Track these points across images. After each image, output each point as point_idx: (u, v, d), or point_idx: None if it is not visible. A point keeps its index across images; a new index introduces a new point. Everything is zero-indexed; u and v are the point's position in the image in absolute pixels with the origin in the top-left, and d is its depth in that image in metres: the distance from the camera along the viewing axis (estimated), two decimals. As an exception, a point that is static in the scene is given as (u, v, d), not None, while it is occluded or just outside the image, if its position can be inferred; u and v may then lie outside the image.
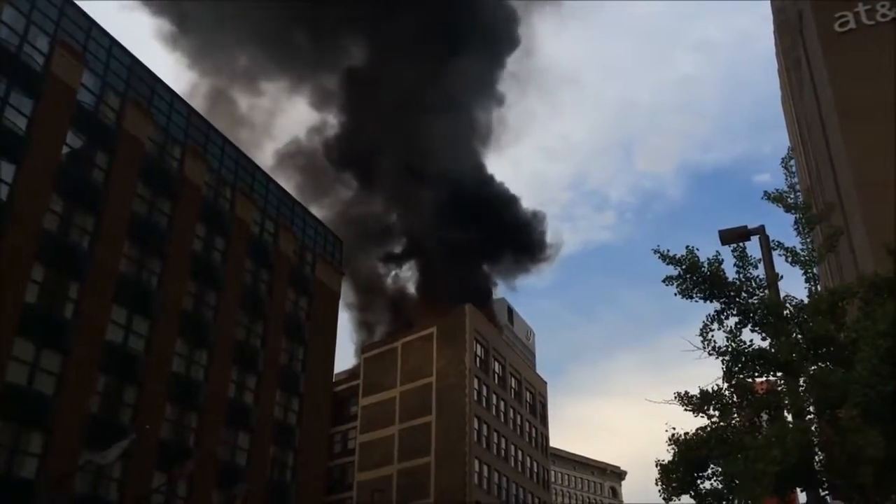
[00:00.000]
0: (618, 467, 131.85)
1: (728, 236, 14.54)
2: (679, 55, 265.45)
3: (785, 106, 69.43)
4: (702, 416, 12.93)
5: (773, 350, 12.42)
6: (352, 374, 76.44)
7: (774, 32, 61.91)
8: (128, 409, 35.72)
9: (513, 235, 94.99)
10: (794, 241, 14.28)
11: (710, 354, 12.73)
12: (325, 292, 53.33)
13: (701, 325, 13.05)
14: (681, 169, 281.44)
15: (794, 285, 13.67)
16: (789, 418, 12.27)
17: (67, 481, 30.83)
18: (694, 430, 12.63)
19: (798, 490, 12.88)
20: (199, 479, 37.74)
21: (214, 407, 40.54)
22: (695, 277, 13.11)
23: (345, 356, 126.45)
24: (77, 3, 37.81)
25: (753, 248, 13.98)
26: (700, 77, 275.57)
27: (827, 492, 12.58)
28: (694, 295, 13.18)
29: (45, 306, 33.22)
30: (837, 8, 42.44)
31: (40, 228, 33.16)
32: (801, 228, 13.99)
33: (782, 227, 15.99)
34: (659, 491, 12.48)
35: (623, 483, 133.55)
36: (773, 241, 14.07)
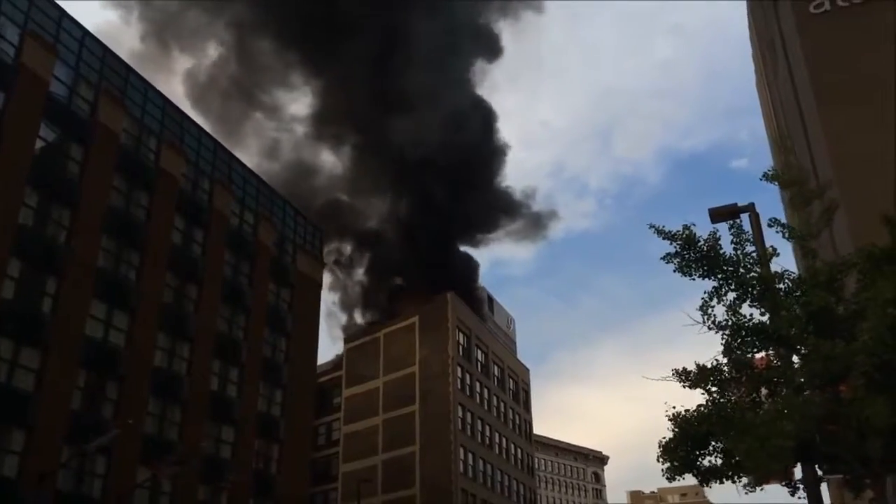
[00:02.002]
0: (600, 452, 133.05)
1: (718, 214, 14.55)
2: (656, 40, 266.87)
3: (759, 88, 69.82)
4: (700, 393, 12.92)
5: (771, 324, 12.41)
6: (335, 364, 76.03)
7: (748, 14, 62.07)
8: (110, 405, 35.24)
9: (502, 200, 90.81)
10: (784, 219, 14.28)
11: (709, 329, 12.71)
12: (307, 282, 52.92)
13: (698, 302, 13.02)
14: (659, 154, 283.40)
15: (791, 260, 13.72)
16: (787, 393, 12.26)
17: (50, 478, 30.36)
18: (694, 407, 12.61)
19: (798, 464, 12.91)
20: (184, 472, 37.33)
21: (197, 400, 40.12)
22: (693, 254, 13.08)
23: (324, 344, 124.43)
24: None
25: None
26: (677, 62, 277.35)
27: (825, 466, 12.61)
28: (693, 272, 13.16)
29: (22, 302, 32.60)
30: (812, -11, 42.89)
31: (15, 223, 32.48)
32: (796, 204, 13.98)
33: (766, 210, 16.04)
34: (662, 471, 12.45)
35: (605, 468, 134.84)
36: (769, 217, 14.08)
